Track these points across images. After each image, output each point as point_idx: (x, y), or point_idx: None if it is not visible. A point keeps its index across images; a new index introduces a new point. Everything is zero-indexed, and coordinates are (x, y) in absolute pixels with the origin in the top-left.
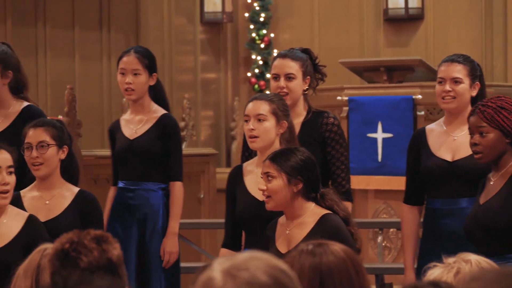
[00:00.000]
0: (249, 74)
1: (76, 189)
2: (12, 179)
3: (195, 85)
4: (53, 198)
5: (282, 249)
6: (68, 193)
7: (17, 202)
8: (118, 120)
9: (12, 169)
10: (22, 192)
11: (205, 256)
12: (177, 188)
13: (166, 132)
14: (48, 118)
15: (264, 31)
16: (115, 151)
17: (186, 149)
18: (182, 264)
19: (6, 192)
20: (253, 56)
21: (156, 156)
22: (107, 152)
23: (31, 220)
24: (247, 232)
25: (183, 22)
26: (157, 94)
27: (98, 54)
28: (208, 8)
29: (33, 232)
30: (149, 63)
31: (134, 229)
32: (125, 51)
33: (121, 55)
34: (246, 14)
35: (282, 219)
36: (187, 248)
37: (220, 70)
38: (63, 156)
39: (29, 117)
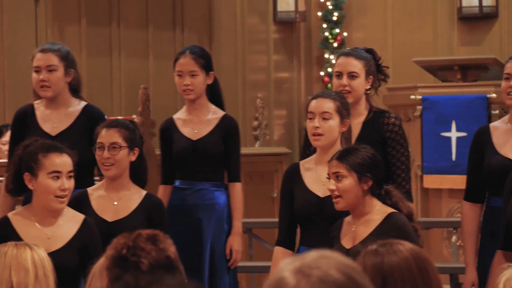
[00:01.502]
0: (322, 73)
1: (143, 192)
2: (71, 183)
3: (268, 85)
4: (121, 200)
5: (347, 245)
6: (136, 195)
7: (84, 199)
8: (171, 119)
9: (71, 174)
10: (89, 190)
11: None
12: (238, 189)
13: (229, 133)
14: (121, 118)
15: (337, 30)
16: (174, 151)
17: (259, 148)
18: (256, 263)
19: (63, 197)
20: (326, 55)
21: (220, 157)
22: None
23: (87, 223)
24: (305, 229)
25: (256, 21)
26: (215, 93)
27: (171, 54)
28: (281, 7)
29: (88, 235)
30: (205, 62)
31: (195, 229)
32: (180, 52)
33: (177, 57)
34: (319, 13)
35: (348, 218)
36: (260, 247)
37: (293, 69)
38: (133, 158)
39: (90, 116)
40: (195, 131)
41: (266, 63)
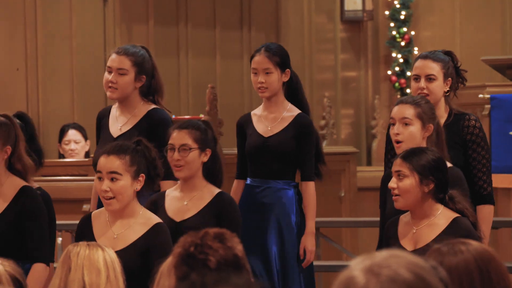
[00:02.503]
0: (389, 72)
1: (215, 191)
2: (113, 185)
3: (335, 84)
4: (192, 200)
5: (408, 247)
6: (207, 194)
7: (160, 200)
8: (248, 114)
9: (115, 175)
10: (167, 191)
11: (346, 254)
12: (311, 188)
13: (302, 132)
14: (189, 117)
15: (405, 29)
16: (246, 147)
17: (326, 147)
18: (323, 263)
19: (107, 198)
20: (394, 54)
21: (291, 155)
22: None
23: (157, 227)
24: None
25: (323, 20)
26: (292, 90)
27: (239, 53)
28: (348, 6)
29: (153, 239)
30: (281, 60)
31: (264, 227)
32: (257, 49)
33: (253, 54)
34: (387, 12)
35: (405, 217)
36: (328, 247)
37: (361, 68)
38: (205, 159)
39: (151, 119)
40: (268, 128)
41: (333, 62)
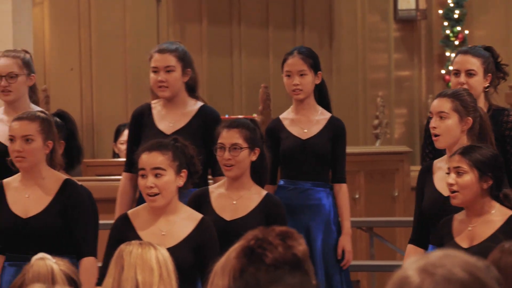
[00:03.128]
0: (443, 71)
1: (263, 192)
2: (158, 181)
3: (389, 83)
4: (240, 199)
5: (463, 244)
6: (255, 195)
7: (204, 197)
8: (278, 119)
9: (160, 171)
10: (210, 187)
11: (399, 254)
12: (345, 190)
13: (336, 135)
14: (242, 117)
15: (459, 28)
16: (282, 150)
17: (380, 147)
18: (377, 262)
19: (151, 194)
20: (447, 53)
21: (327, 157)
22: None
23: (203, 222)
24: (432, 228)
25: (377, 19)
26: (322, 93)
27: None
28: (401, 5)
29: (203, 235)
30: (314, 62)
31: (300, 229)
32: (288, 52)
33: (285, 57)
34: (440, 11)
35: (459, 216)
36: (381, 246)
37: (414, 68)
38: (254, 158)
39: (205, 116)
40: (305, 130)
41: (387, 61)
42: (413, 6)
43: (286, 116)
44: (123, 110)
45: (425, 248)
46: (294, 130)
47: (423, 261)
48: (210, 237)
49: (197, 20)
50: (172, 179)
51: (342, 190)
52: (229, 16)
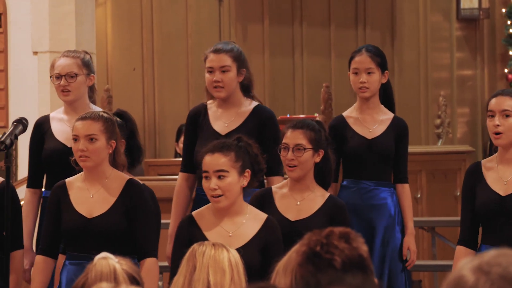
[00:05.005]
0: (506, 70)
1: (327, 194)
2: (221, 183)
3: (451, 82)
4: (304, 200)
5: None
6: (319, 197)
7: (268, 197)
8: (341, 116)
9: (222, 173)
10: (274, 188)
11: None
12: (407, 189)
13: (400, 134)
14: (304, 116)
15: None
16: (346, 149)
17: (442, 146)
18: (439, 262)
19: (215, 196)
20: (510, 52)
21: (392, 157)
22: None
23: (269, 222)
24: (487, 228)
25: (439, 19)
26: (387, 92)
27: None
28: (464, 4)
29: (270, 235)
30: (381, 61)
31: (365, 229)
32: (356, 50)
33: (353, 55)
34: (503, 10)
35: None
36: (443, 246)
37: (477, 67)
38: (317, 159)
39: (260, 116)
40: (370, 130)
41: (449, 60)
42: (475, 5)
43: (350, 114)
44: (185, 110)
45: (476, 249)
46: (360, 130)
47: (478, 260)
48: (276, 237)
49: (259, 20)
50: (235, 180)
51: (405, 190)
52: (291, 15)
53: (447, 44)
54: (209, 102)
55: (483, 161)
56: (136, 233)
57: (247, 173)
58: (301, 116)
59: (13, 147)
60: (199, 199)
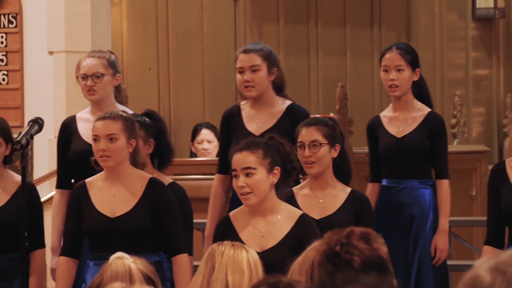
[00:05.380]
0: None
1: (348, 189)
2: (250, 180)
3: (467, 82)
4: (326, 197)
5: None
6: (341, 192)
7: (291, 199)
8: (377, 116)
9: (250, 170)
10: (294, 189)
11: (477, 254)
12: (446, 186)
13: (435, 131)
14: (320, 115)
15: None
16: (379, 149)
17: (457, 146)
18: (454, 262)
19: (243, 194)
20: None
21: (425, 154)
22: None
23: (303, 219)
24: None
25: (455, 18)
26: (421, 90)
27: (369, 51)
28: (480, 4)
29: (303, 232)
30: (412, 58)
31: (401, 227)
32: (387, 48)
33: (383, 52)
34: None
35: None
36: (459, 246)
37: (492, 66)
38: (335, 154)
39: (294, 115)
40: (400, 128)
41: (465, 60)
42: (491, 4)
43: (386, 114)
44: (200, 109)
45: (502, 248)
46: (391, 129)
47: (494, 260)
48: (311, 232)
49: (274, 19)
50: (263, 177)
51: (442, 186)
52: (306, 15)
53: (463, 44)
54: (242, 102)
55: (507, 160)
56: (164, 231)
57: (277, 170)
58: (317, 115)
59: (29, 147)
60: (235, 199)
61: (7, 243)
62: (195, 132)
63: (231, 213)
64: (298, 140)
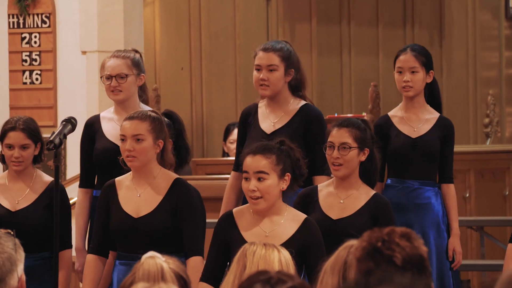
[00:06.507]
0: None
1: (372, 192)
2: (262, 185)
3: (500, 81)
4: (348, 198)
5: None
6: (363, 195)
7: (313, 195)
8: (386, 115)
9: (262, 175)
10: (319, 186)
11: None
12: (453, 190)
13: (446, 134)
14: (351, 115)
15: None
16: (391, 148)
17: (490, 145)
18: (487, 262)
19: (254, 198)
20: None
21: (436, 156)
22: None
23: (307, 223)
24: None
25: (488, 17)
26: (433, 92)
27: None
28: None
29: (307, 235)
30: (426, 60)
31: (417, 227)
32: (401, 49)
33: (398, 54)
34: None
35: None
36: (492, 246)
37: None
38: (363, 158)
39: (306, 115)
40: (414, 129)
41: (498, 59)
42: None
43: (395, 114)
44: (232, 109)
45: None
46: (404, 129)
47: None
48: (314, 237)
49: (306, 19)
50: (274, 183)
51: (450, 190)
52: (338, 14)
53: (496, 43)
54: (261, 101)
55: None
56: (183, 231)
57: (287, 176)
58: (349, 115)
59: (62, 147)
60: None
61: (34, 243)
62: (228, 131)
63: (235, 210)
64: (328, 139)
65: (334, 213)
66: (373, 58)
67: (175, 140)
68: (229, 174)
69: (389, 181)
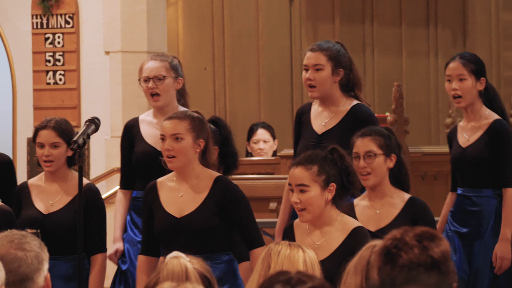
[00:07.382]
0: None
1: (406, 196)
2: (304, 196)
3: None
4: (383, 207)
5: None
6: (398, 201)
7: (350, 211)
8: (456, 125)
9: (303, 187)
10: (355, 201)
11: None
12: (508, 194)
13: (497, 138)
14: (377, 116)
15: None
16: (451, 157)
17: None
18: None
19: (300, 210)
20: None
21: (488, 162)
22: (434, 149)
23: (356, 231)
24: None
25: (511, 17)
26: (490, 101)
27: (425, 51)
28: None
29: (355, 244)
30: (476, 68)
31: (472, 233)
32: (452, 57)
33: (448, 62)
34: None
35: None
36: None
37: None
38: (391, 165)
39: (356, 115)
40: (467, 138)
41: None
42: None
43: (461, 124)
44: (256, 109)
45: None
46: (460, 138)
47: None
48: (362, 246)
49: (329, 19)
50: (317, 194)
51: (505, 195)
52: (361, 14)
53: None
54: (314, 101)
55: None
56: (239, 226)
57: (332, 187)
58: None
59: (86, 147)
60: None
61: (66, 245)
62: (251, 132)
63: (296, 221)
64: (354, 151)
65: (372, 225)
66: (396, 58)
67: (221, 147)
68: (252, 174)
69: (459, 190)
